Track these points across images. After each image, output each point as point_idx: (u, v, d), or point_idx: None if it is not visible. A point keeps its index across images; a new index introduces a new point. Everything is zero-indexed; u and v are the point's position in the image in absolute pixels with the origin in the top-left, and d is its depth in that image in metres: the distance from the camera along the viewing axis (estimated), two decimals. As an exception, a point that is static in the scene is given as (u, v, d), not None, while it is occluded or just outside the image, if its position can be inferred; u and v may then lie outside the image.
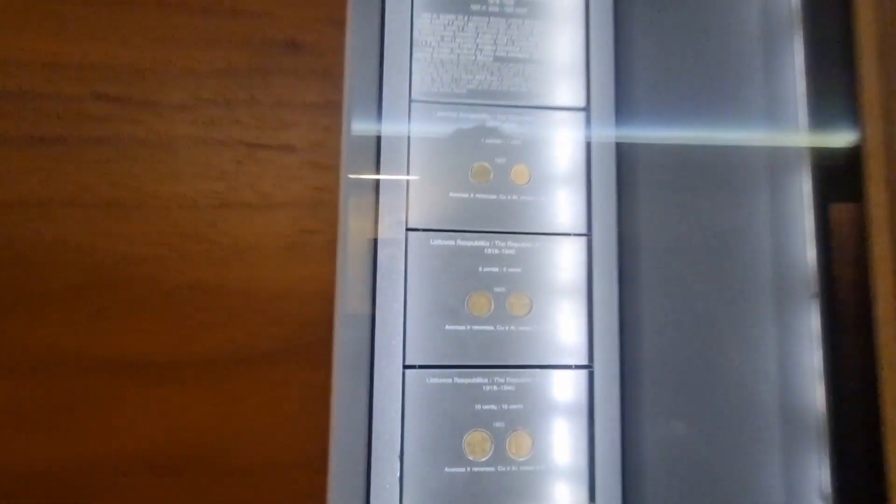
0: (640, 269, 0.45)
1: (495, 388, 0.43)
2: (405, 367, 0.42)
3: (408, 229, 0.43)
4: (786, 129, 0.47)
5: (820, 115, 0.44)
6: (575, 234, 0.45)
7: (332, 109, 0.21)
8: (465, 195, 0.45)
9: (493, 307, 0.43)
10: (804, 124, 0.45)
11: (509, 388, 0.43)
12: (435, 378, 0.42)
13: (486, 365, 0.43)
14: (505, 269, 0.44)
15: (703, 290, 0.45)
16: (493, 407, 0.42)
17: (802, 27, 0.45)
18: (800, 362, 0.43)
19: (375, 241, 0.42)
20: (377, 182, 0.43)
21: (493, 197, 0.45)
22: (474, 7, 0.47)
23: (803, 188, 0.45)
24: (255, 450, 0.19)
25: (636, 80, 0.47)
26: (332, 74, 0.21)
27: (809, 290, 0.43)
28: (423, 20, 0.45)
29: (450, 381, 0.42)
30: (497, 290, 0.44)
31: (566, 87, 0.47)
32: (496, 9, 0.47)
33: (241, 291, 0.20)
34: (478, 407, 0.42)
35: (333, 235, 0.20)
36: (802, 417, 0.43)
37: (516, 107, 0.46)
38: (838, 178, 0.41)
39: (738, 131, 0.47)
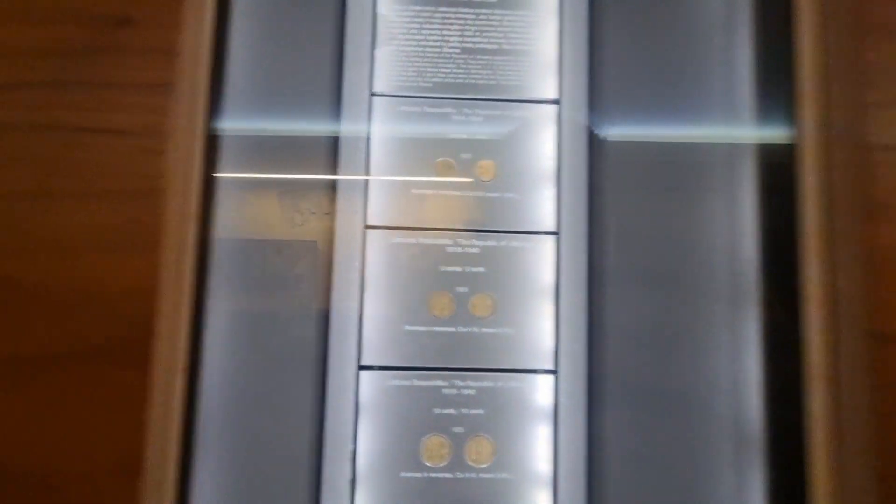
0: (609, 271, 0.42)
1: (455, 391, 0.41)
2: (361, 367, 0.40)
3: (367, 226, 0.42)
4: (736, 126, 0.44)
5: (764, 111, 0.42)
6: (543, 233, 0.43)
7: (165, 90, 0.20)
8: (428, 191, 0.43)
9: (454, 308, 0.42)
10: (752, 121, 0.43)
11: (470, 392, 0.41)
12: (392, 380, 0.41)
13: (446, 368, 0.41)
14: (468, 269, 0.42)
15: (664, 294, 0.42)
16: (453, 411, 0.41)
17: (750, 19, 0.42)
18: (745, 371, 0.40)
19: (333, 238, 0.41)
20: (335, 177, 0.42)
21: (457, 193, 0.43)
22: (441, -3, 0.45)
23: (747, 188, 0.42)
24: (62, 458, 0.18)
25: (611, 72, 0.45)
26: (167, 52, 0.20)
27: (753, 296, 0.40)
28: (388, 12, 0.44)
29: (408, 383, 0.41)
30: (459, 290, 0.42)
31: (537, 79, 0.45)
32: (464, -2, 0.45)
33: (56, 287, 0.19)
34: (436, 411, 0.41)
35: (158, 227, 0.19)
36: (747, 428, 0.40)
37: (483, 100, 0.44)
38: (776, 176, 0.39)
39: (699, 128, 0.44)
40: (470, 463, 0.40)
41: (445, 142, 0.44)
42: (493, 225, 0.43)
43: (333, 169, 0.42)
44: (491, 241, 0.43)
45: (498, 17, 0.45)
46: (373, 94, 0.43)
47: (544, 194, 0.44)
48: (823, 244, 0.29)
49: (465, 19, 0.45)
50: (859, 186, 0.28)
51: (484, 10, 0.45)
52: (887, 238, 0.23)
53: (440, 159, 0.43)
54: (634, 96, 0.45)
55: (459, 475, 0.40)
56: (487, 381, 0.42)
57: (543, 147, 0.44)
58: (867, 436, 0.26)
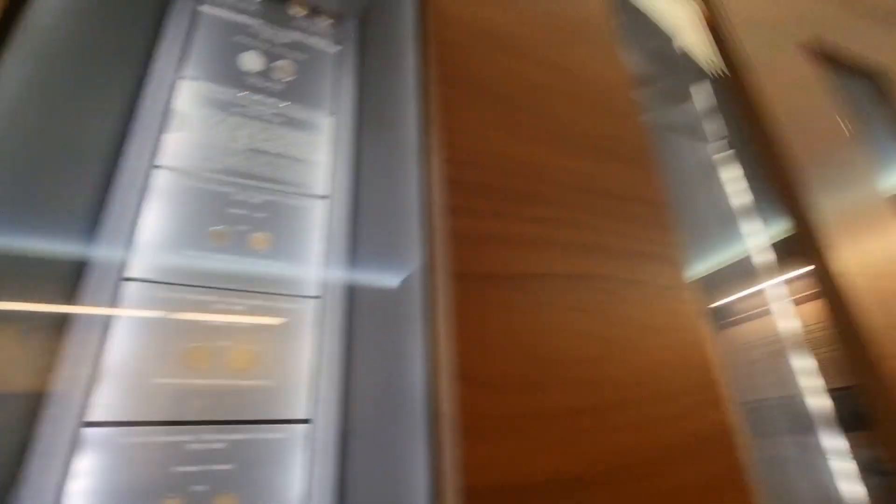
0: (357, 327, 0.51)
1: (202, 446, 0.40)
2: (85, 423, 0.37)
3: (124, 279, 0.43)
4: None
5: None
6: (306, 297, 0.50)
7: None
8: (200, 253, 0.47)
9: (212, 361, 0.43)
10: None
11: (219, 445, 0.41)
12: (127, 437, 0.38)
13: (193, 421, 0.41)
14: (230, 323, 0.45)
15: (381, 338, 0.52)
16: (197, 468, 0.39)
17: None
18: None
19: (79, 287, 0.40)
20: (98, 229, 0.43)
21: (228, 257, 0.48)
22: (234, 109, 0.55)
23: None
24: None
25: (366, 176, 0.59)
26: None
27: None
28: (183, 109, 0.52)
29: (147, 439, 0.39)
30: (219, 343, 0.44)
31: (311, 178, 0.56)
32: (255, 113, 0.57)
33: None
34: (177, 469, 0.39)
35: None
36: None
37: (262, 188, 0.53)
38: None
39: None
40: (209, 526, 0.38)
41: (224, 214, 0.50)
42: (260, 287, 0.48)
43: (101, 227, 0.43)
44: (257, 301, 0.47)
45: (282, 132, 0.57)
46: (155, 167, 0.48)
47: (312, 265, 0.52)
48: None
49: (254, 128, 0.56)
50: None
51: (270, 125, 0.57)
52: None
53: (216, 227, 0.49)
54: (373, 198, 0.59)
55: (195, 542, 0.37)
56: (239, 433, 0.42)
57: (312, 228, 0.54)
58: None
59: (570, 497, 0.24)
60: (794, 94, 0.64)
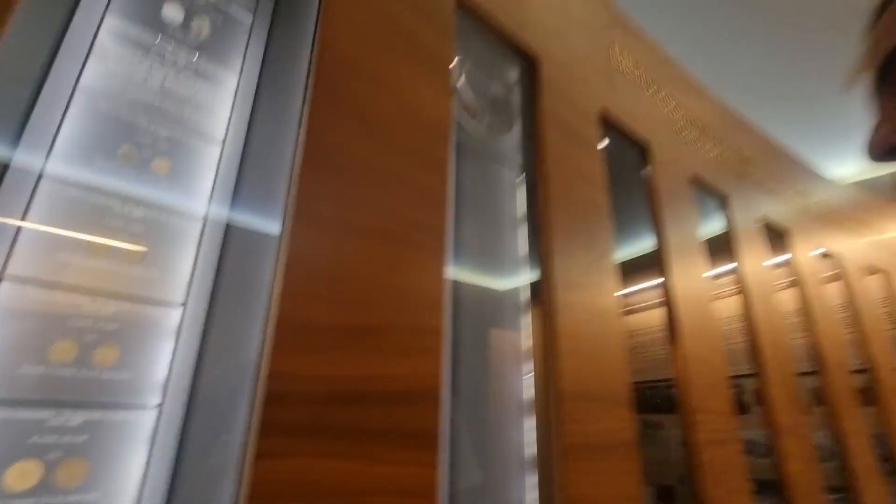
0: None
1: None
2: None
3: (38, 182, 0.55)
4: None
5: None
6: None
7: None
8: (111, 164, 0.60)
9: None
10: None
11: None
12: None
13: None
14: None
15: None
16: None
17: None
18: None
19: None
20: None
21: (132, 172, 0.62)
22: (152, 52, 0.68)
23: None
24: None
25: (258, 130, 0.76)
26: None
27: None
28: (108, 45, 0.64)
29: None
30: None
31: (211, 124, 0.71)
32: (170, 59, 0.69)
33: None
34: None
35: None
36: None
37: (168, 124, 0.67)
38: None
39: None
40: None
41: (134, 138, 0.63)
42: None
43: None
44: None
45: (191, 81, 0.71)
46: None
47: (201, 189, 0.67)
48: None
49: (168, 71, 0.69)
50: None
51: (182, 72, 0.70)
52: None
53: (125, 149, 0.62)
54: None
55: None
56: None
57: (208, 161, 0.69)
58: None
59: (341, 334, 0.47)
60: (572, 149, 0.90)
